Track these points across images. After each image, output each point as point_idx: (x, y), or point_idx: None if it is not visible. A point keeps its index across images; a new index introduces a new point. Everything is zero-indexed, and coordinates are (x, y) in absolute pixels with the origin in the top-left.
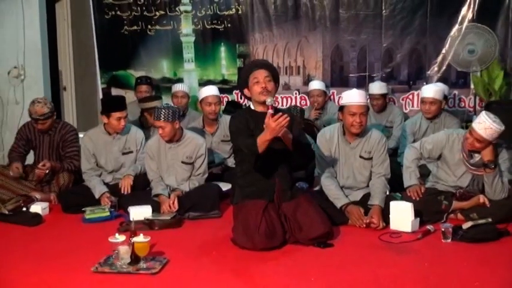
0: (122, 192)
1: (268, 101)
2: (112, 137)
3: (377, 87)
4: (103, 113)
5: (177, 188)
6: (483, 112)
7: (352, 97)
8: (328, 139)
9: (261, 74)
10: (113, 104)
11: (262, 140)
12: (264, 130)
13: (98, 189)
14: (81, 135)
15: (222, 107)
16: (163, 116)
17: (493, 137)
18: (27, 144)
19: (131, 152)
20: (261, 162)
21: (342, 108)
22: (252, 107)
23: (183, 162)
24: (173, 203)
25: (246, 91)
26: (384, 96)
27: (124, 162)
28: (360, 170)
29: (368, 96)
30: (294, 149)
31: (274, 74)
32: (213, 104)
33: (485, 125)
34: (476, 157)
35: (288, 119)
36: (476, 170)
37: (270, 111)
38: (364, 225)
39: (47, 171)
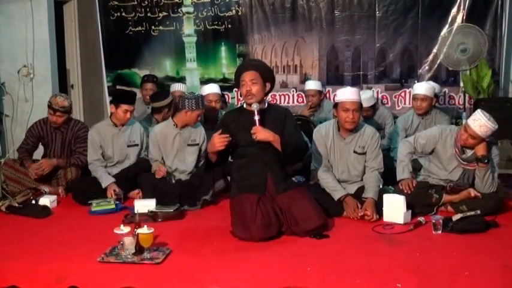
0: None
1: (254, 106)
2: (118, 129)
3: (365, 101)
4: (113, 102)
5: (178, 169)
6: (479, 110)
7: (346, 94)
8: (323, 135)
9: (247, 76)
10: (124, 97)
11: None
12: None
13: (105, 179)
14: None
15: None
16: (201, 104)
17: (487, 135)
18: (38, 141)
19: (136, 145)
20: (253, 157)
21: (336, 105)
22: (244, 106)
23: (189, 145)
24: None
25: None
26: (372, 107)
27: (129, 154)
28: (354, 164)
29: None
30: (284, 150)
31: (264, 75)
32: (214, 101)
33: (480, 122)
34: (469, 152)
35: (225, 141)
36: (468, 164)
37: (257, 117)
38: (359, 217)
39: (44, 171)
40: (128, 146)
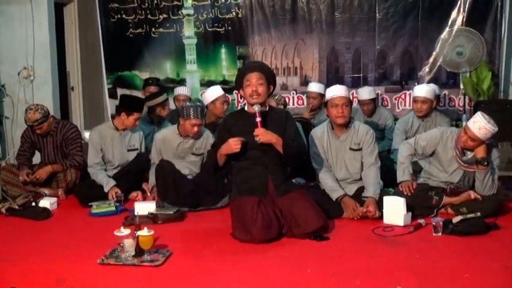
0: None
1: (256, 108)
2: (119, 133)
3: (366, 93)
4: (124, 110)
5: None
6: (478, 112)
7: (333, 91)
8: (319, 136)
9: (254, 77)
10: (137, 105)
11: (219, 155)
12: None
13: (107, 182)
14: (87, 133)
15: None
16: (199, 114)
17: (487, 137)
18: (32, 147)
19: (136, 149)
20: (254, 160)
21: (326, 103)
22: (246, 108)
23: (193, 153)
24: None
25: (241, 92)
26: (373, 100)
27: (129, 158)
28: (351, 161)
29: (357, 102)
30: (285, 152)
31: (268, 77)
32: (223, 102)
33: (480, 124)
34: (469, 154)
35: (240, 142)
36: (468, 166)
37: (258, 119)
38: (359, 217)
39: (40, 180)
40: (128, 151)
